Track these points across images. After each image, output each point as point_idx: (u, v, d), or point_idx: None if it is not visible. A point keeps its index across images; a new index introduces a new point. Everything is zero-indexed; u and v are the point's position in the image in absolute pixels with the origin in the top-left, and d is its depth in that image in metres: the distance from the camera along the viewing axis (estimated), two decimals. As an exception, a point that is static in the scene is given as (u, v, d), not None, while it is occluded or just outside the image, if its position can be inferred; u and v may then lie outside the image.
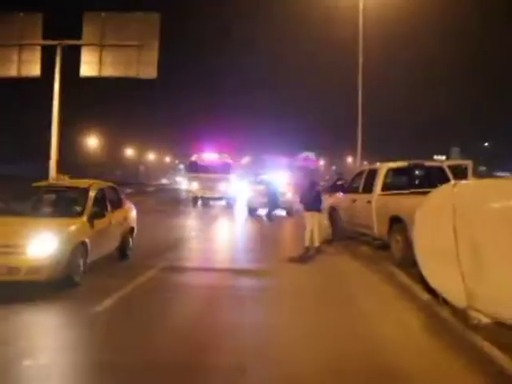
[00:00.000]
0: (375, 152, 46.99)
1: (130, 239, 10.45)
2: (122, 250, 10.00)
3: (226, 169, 27.76)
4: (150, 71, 25.37)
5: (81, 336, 5.59)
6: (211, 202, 28.64)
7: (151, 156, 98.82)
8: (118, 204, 10.09)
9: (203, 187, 27.37)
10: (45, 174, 27.10)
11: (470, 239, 5.83)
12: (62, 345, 5.39)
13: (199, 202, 28.16)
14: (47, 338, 5.74)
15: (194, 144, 31.20)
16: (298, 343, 5.45)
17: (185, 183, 32.90)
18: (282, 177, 24.37)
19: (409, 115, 79.45)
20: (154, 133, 79.11)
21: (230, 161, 28.96)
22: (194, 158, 28.93)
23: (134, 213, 10.97)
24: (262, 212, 21.95)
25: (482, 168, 60.44)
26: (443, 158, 45.81)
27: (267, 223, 19.14)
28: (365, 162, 27.82)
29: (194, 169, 28.19)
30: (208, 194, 27.62)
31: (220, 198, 28.20)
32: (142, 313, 6.46)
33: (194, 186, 27.86)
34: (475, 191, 6.33)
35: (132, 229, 10.63)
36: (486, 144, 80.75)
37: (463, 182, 7.22)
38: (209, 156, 28.67)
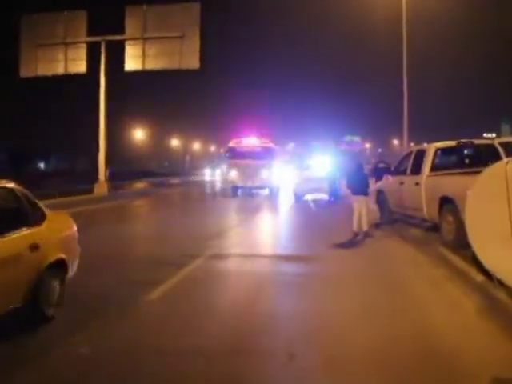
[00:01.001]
0: (422, 133, 45.86)
1: (55, 285, 5.56)
2: (34, 307, 5.13)
3: (268, 154, 25.12)
4: (192, 62, 25.69)
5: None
6: (254, 191, 26.68)
7: (196, 145, 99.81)
8: (20, 221, 5.23)
9: (243, 175, 24.58)
10: (95, 168, 28.07)
11: (526, 218, 5.63)
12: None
13: (239, 192, 25.97)
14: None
15: (234, 130, 28.36)
16: (347, 328, 5.39)
17: (221, 172, 30.53)
18: (328, 161, 24.29)
19: (457, 93, 77.14)
20: (199, 122, 79.86)
21: (272, 146, 26.43)
22: (232, 143, 25.99)
23: (67, 233, 6.15)
24: (309, 198, 21.90)
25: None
26: (493, 135, 44.44)
27: (315, 209, 19.07)
28: (411, 144, 27.31)
29: (233, 155, 25.33)
30: (249, 183, 24.96)
31: (262, 187, 25.76)
32: (191, 300, 6.54)
33: (233, 174, 24.99)
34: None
35: (59, 263, 5.61)
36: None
37: (517, 158, 6.96)
38: (249, 141, 25.77)
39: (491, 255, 6.26)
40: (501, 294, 5.89)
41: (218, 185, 30.99)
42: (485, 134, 45.54)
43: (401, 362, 4.48)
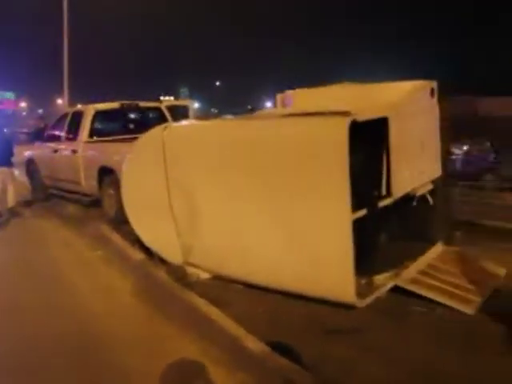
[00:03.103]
0: (90, 93, 45.92)
1: None
2: None
3: None
4: None
5: None
6: None
7: None
8: None
9: None
10: None
11: (183, 188, 6.07)
12: None
13: None
14: None
15: None
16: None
17: None
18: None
19: (131, 54, 79.78)
20: None
21: None
22: None
23: None
24: None
25: (215, 110, 64.70)
26: (171, 98, 47.51)
27: None
28: (79, 106, 27.11)
29: None
30: None
31: None
32: None
33: None
34: (185, 133, 6.58)
35: None
36: (218, 83, 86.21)
37: (174, 124, 7.45)
38: None
39: (150, 229, 6.65)
40: (160, 272, 6.23)
41: None
42: (162, 97, 48.05)
43: (50, 357, 4.57)
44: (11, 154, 11.12)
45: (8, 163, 10.97)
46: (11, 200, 10.89)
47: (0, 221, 10.39)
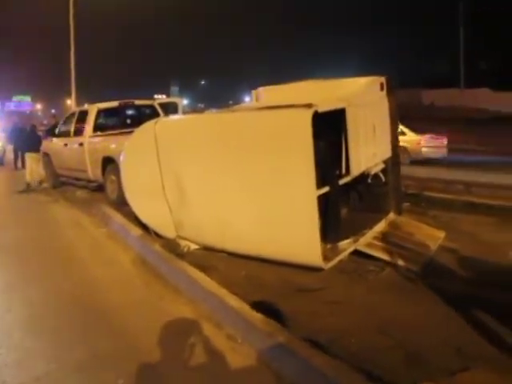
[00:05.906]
0: (97, 95, 45.14)
1: None
2: None
3: None
4: None
5: None
6: None
7: None
8: None
9: None
10: None
11: (173, 172, 6.03)
12: None
13: None
14: None
15: None
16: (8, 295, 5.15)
17: None
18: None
19: (127, 56, 78.61)
20: None
21: None
22: None
23: None
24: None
25: (201, 105, 63.95)
26: (163, 96, 47.10)
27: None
28: (86, 104, 26.52)
29: None
30: None
31: None
32: None
33: None
34: (173, 126, 6.53)
35: None
36: (203, 82, 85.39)
37: (164, 118, 7.35)
38: None
39: (146, 209, 6.54)
40: (156, 245, 6.13)
41: None
42: (156, 96, 47.68)
43: (61, 322, 4.47)
44: (40, 143, 12.50)
45: (38, 150, 12.40)
46: (37, 174, 12.34)
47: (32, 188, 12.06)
